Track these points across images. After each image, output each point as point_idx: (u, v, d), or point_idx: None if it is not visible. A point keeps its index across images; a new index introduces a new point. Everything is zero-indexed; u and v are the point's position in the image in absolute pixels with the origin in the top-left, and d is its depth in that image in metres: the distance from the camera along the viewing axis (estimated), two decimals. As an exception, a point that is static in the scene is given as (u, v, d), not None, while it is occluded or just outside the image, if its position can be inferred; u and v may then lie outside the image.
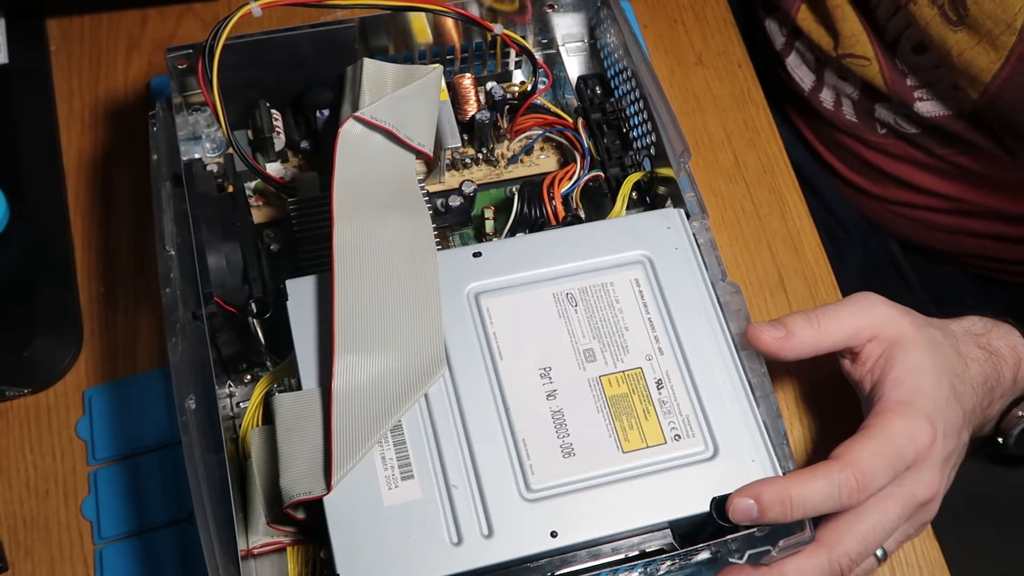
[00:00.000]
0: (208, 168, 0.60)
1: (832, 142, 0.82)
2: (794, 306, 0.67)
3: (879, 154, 0.79)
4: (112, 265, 0.66)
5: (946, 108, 0.70)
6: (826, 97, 0.80)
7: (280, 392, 0.51)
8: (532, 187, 0.58)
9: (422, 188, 0.54)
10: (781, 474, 0.47)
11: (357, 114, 0.52)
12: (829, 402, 0.65)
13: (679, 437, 0.48)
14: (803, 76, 0.81)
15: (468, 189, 0.59)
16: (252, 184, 0.61)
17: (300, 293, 0.50)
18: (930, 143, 0.75)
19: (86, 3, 0.76)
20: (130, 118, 0.72)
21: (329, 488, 0.45)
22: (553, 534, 0.45)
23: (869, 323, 0.53)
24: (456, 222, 0.61)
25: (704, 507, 0.46)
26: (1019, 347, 0.57)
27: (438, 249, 0.51)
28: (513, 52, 0.66)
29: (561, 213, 0.58)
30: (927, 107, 0.71)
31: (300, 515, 0.47)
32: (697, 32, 0.79)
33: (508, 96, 0.62)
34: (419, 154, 0.55)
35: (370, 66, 0.54)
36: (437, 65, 0.57)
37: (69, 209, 0.68)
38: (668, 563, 0.47)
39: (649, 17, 0.79)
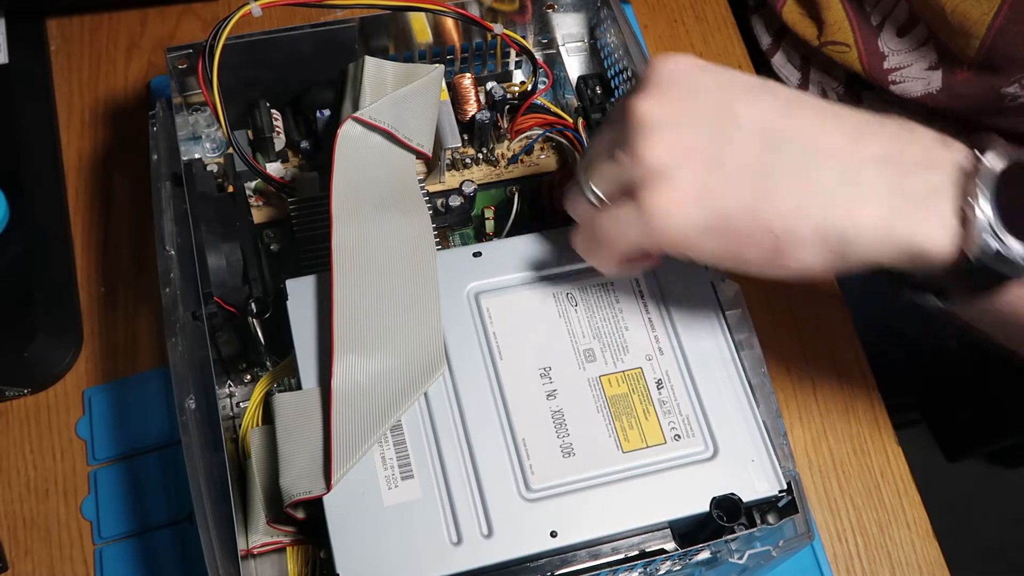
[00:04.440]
0: (208, 168, 0.60)
1: None
2: (794, 306, 0.67)
3: None
4: (112, 265, 0.66)
5: (922, 88, 0.71)
6: (813, 93, 0.80)
7: (280, 392, 0.51)
8: (532, 187, 0.58)
9: (422, 188, 0.54)
10: (781, 475, 0.47)
11: (356, 115, 0.52)
12: (829, 402, 0.65)
13: (679, 437, 0.48)
14: (788, 75, 0.81)
15: (468, 189, 0.59)
16: (252, 184, 0.61)
17: (300, 293, 0.50)
18: None
19: (86, 3, 0.76)
20: (130, 118, 0.72)
21: (329, 487, 0.45)
22: (553, 534, 0.45)
23: None
24: (456, 222, 0.61)
25: (704, 507, 0.46)
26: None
27: (438, 249, 0.51)
28: (513, 52, 0.66)
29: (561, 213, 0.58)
30: (902, 88, 0.72)
31: (300, 514, 0.47)
32: (697, 32, 0.79)
33: (508, 96, 0.62)
34: (419, 154, 0.55)
35: (371, 64, 0.54)
36: (438, 64, 0.57)
37: (69, 209, 0.68)
38: (668, 563, 0.47)
39: (649, 17, 0.79)
